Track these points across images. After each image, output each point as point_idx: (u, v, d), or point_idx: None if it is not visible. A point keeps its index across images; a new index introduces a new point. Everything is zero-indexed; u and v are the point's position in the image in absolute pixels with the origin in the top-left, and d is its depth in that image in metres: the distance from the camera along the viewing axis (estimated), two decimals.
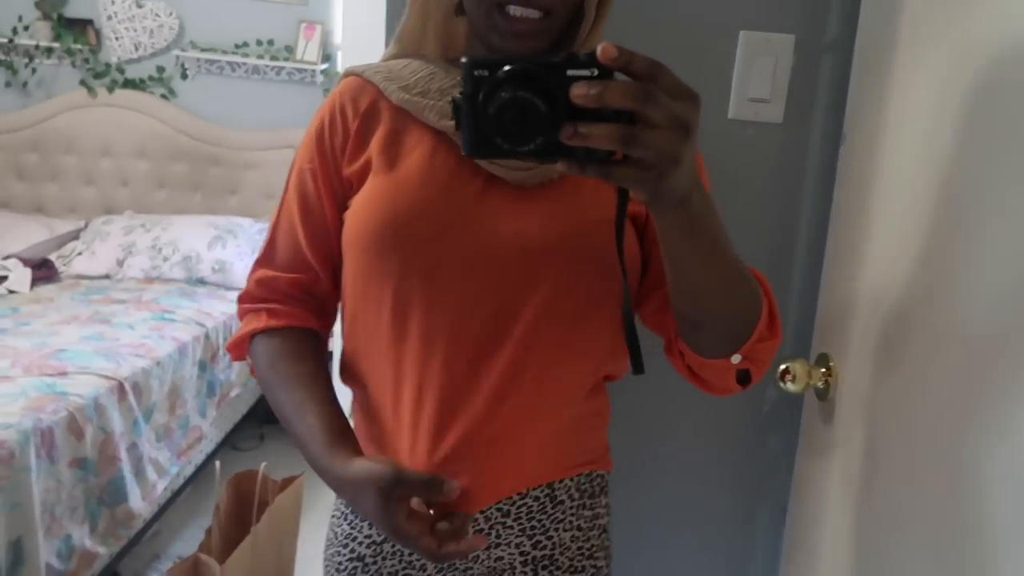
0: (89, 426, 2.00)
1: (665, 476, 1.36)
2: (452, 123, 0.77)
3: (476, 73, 0.59)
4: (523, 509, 0.90)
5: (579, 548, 0.93)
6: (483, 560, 0.91)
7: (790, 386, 1.13)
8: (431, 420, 0.83)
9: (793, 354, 1.26)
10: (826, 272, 1.21)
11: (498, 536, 0.90)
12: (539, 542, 0.91)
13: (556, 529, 0.91)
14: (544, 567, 0.91)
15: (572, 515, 0.92)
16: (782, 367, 1.13)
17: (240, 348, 0.94)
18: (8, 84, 3.62)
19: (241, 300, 0.96)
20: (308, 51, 3.46)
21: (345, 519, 0.94)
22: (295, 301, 0.93)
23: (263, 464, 1.96)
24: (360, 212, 0.85)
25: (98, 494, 2.05)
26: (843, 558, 1.07)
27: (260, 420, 3.39)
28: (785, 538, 1.32)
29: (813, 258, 1.25)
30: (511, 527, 0.89)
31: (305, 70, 3.49)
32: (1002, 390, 0.74)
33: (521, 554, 0.91)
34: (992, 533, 0.74)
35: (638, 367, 0.75)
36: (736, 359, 0.80)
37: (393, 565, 0.91)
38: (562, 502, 0.91)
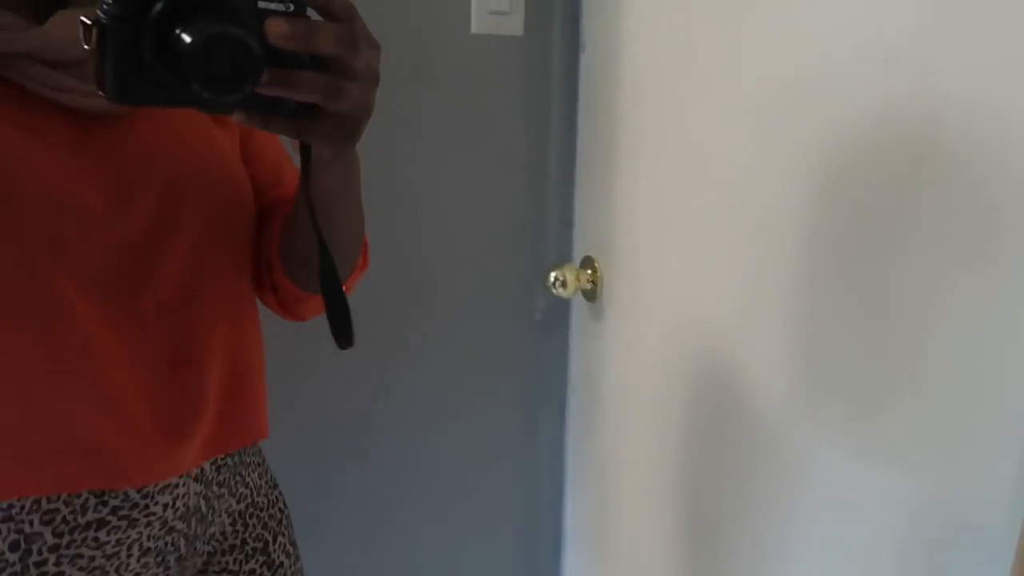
0: None
1: (444, 393, 1.37)
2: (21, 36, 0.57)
3: None
4: (232, 469, 0.82)
5: (266, 482, 0.88)
6: (200, 549, 0.81)
7: (562, 291, 1.18)
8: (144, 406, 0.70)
9: (558, 261, 1.31)
10: (579, 177, 1.26)
11: (214, 512, 0.81)
12: (241, 494, 0.84)
13: (249, 474, 0.86)
14: (250, 515, 0.85)
15: (253, 453, 0.87)
16: (553, 274, 1.17)
17: None
18: None
19: None
20: None
21: None
22: None
23: None
24: None
25: None
26: (621, 444, 1.16)
27: None
28: (567, 437, 1.40)
29: (566, 164, 1.30)
30: (223, 495, 0.82)
31: None
32: (742, 277, 0.83)
33: (228, 515, 0.83)
34: (746, 409, 0.84)
35: (348, 339, 0.67)
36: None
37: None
38: (247, 445, 0.85)
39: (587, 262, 1.20)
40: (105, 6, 0.46)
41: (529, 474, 1.45)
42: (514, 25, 1.25)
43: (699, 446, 0.96)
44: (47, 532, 0.68)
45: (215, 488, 0.79)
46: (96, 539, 0.70)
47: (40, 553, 0.68)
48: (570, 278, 1.17)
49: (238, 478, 0.83)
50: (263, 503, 0.86)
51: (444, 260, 1.30)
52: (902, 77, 0.64)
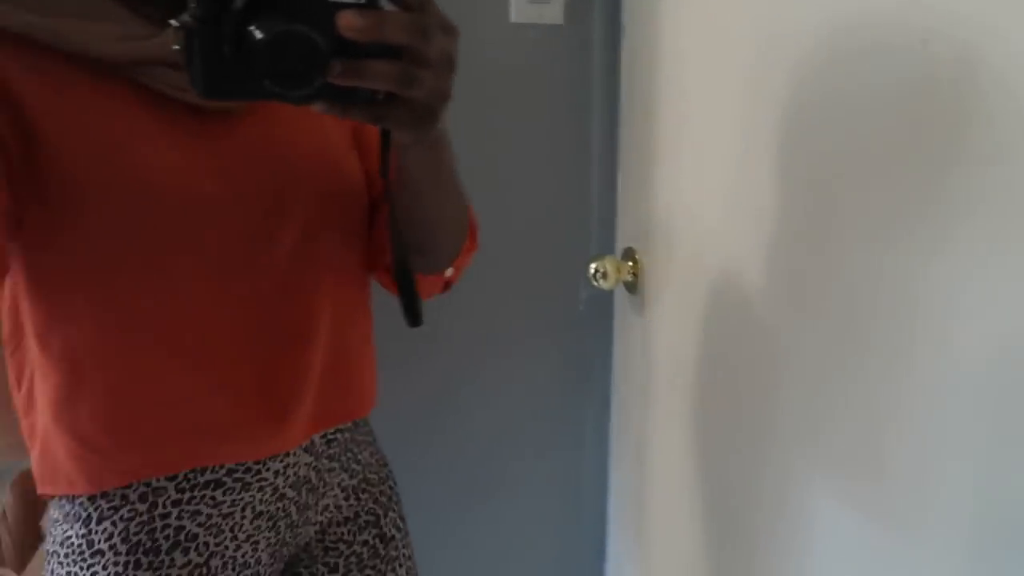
0: None
1: (487, 385, 1.37)
2: (126, 47, 0.63)
3: None
4: (343, 445, 0.88)
5: (376, 460, 0.93)
6: (312, 519, 0.86)
7: (603, 283, 1.16)
8: (254, 385, 0.76)
9: (600, 252, 1.30)
10: (622, 168, 1.24)
11: (325, 484, 0.86)
12: (354, 470, 0.89)
13: (360, 452, 0.90)
14: (362, 490, 0.90)
15: (364, 433, 0.92)
16: (593, 266, 1.16)
17: None
18: None
19: None
20: None
21: (139, 566, 0.76)
22: None
23: None
24: (62, 190, 0.67)
25: None
26: (667, 440, 1.14)
27: None
28: (612, 428, 1.39)
29: (608, 156, 1.27)
30: (334, 468, 0.87)
31: None
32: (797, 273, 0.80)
33: (342, 490, 0.88)
34: (787, 400, 0.82)
35: (416, 319, 0.74)
36: (450, 272, 0.84)
37: None
38: (359, 424, 0.90)
39: (628, 253, 1.18)
40: (190, 8, 0.49)
41: (573, 465, 1.44)
42: (554, 13, 1.23)
43: (739, 437, 0.94)
44: (171, 487, 0.75)
45: (325, 461, 0.85)
46: (213, 498, 0.77)
47: (164, 506, 0.75)
48: (611, 270, 1.16)
49: (350, 454, 0.88)
50: (374, 479, 0.91)
51: (485, 251, 1.29)
52: (939, 57, 0.60)
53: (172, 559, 0.76)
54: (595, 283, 1.17)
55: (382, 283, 0.86)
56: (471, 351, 1.34)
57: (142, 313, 0.71)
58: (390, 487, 0.94)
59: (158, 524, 0.76)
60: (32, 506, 1.77)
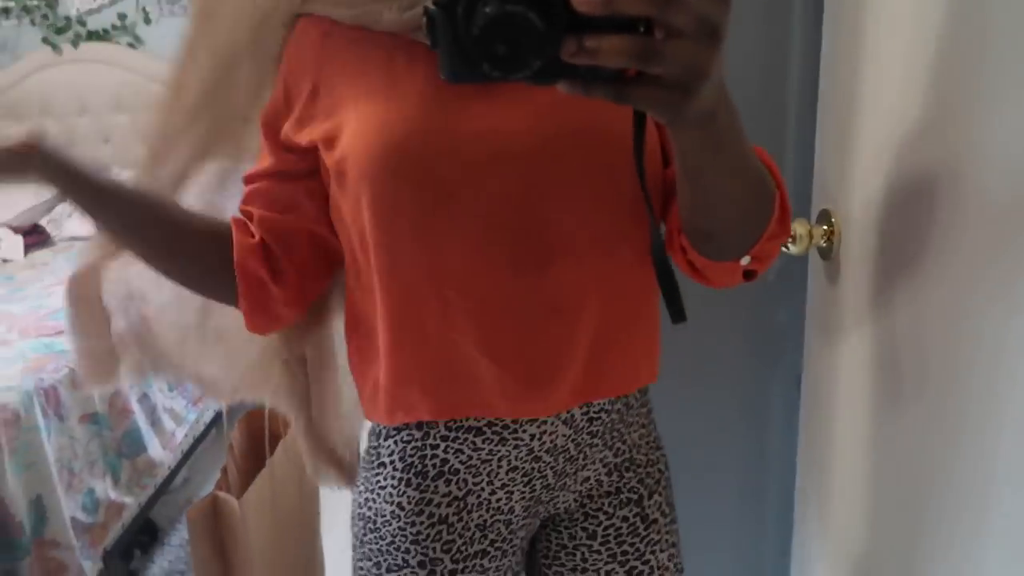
0: None
1: (674, 354, 1.30)
2: (408, 15, 0.68)
3: None
4: (608, 424, 0.88)
5: (647, 442, 0.93)
6: (570, 486, 0.89)
7: (792, 248, 1.06)
8: (512, 353, 0.79)
9: (793, 213, 1.18)
10: (821, 122, 1.12)
11: (585, 457, 0.88)
12: (619, 449, 0.90)
13: (629, 432, 0.91)
14: (626, 468, 0.91)
15: (637, 414, 0.92)
16: None
17: None
18: None
19: None
20: None
21: (409, 484, 0.85)
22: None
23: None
24: (353, 150, 0.76)
25: (115, 447, 2.05)
26: (858, 422, 1.02)
27: None
28: (801, 403, 1.27)
29: (806, 109, 1.16)
30: (596, 444, 0.88)
31: None
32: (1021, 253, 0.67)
33: (604, 465, 0.90)
34: (1000, 394, 0.68)
35: (678, 314, 0.69)
36: (746, 261, 0.75)
37: (481, 516, 0.86)
38: (631, 405, 0.90)
39: (823, 216, 1.06)
40: None
41: (759, 445, 1.34)
42: None
43: (945, 426, 0.81)
44: (441, 424, 0.83)
45: (586, 437, 0.87)
46: (474, 443, 0.83)
47: (434, 438, 0.84)
48: (802, 233, 1.05)
49: (616, 434, 0.90)
50: (642, 460, 0.93)
51: None
52: None
53: (436, 486, 0.85)
54: (783, 248, 1.06)
55: (678, 265, 0.81)
56: None
57: (411, 270, 0.77)
58: (660, 471, 0.94)
59: (428, 452, 0.84)
60: (256, 441, 1.98)
